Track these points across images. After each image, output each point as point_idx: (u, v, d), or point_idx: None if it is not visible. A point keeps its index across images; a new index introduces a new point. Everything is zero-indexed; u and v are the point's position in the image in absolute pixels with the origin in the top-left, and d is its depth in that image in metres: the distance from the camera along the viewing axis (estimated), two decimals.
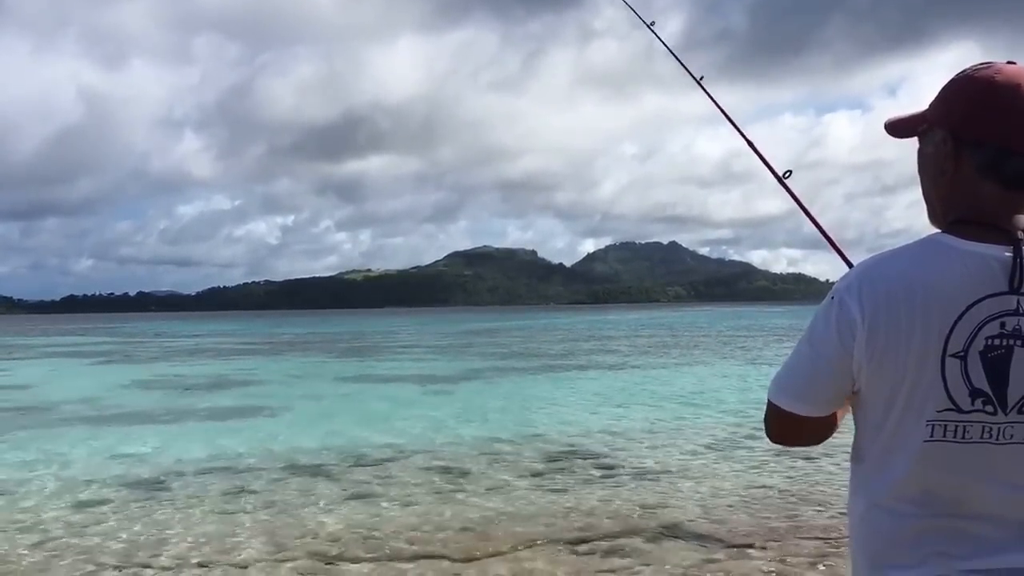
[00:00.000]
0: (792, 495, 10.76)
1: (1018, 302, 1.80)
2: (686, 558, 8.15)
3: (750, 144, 3.19)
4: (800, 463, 12.69)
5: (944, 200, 1.95)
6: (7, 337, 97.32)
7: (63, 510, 10.69)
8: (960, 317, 1.81)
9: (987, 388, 1.81)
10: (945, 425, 1.83)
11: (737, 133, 3.29)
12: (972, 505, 1.84)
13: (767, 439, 2.18)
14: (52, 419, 20.76)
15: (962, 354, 1.81)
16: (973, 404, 1.82)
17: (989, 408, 1.81)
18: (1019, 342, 1.81)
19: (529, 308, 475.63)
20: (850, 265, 2.35)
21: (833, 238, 2.66)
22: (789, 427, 2.07)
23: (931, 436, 1.84)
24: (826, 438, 2.12)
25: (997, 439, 1.82)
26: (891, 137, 2.09)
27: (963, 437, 1.82)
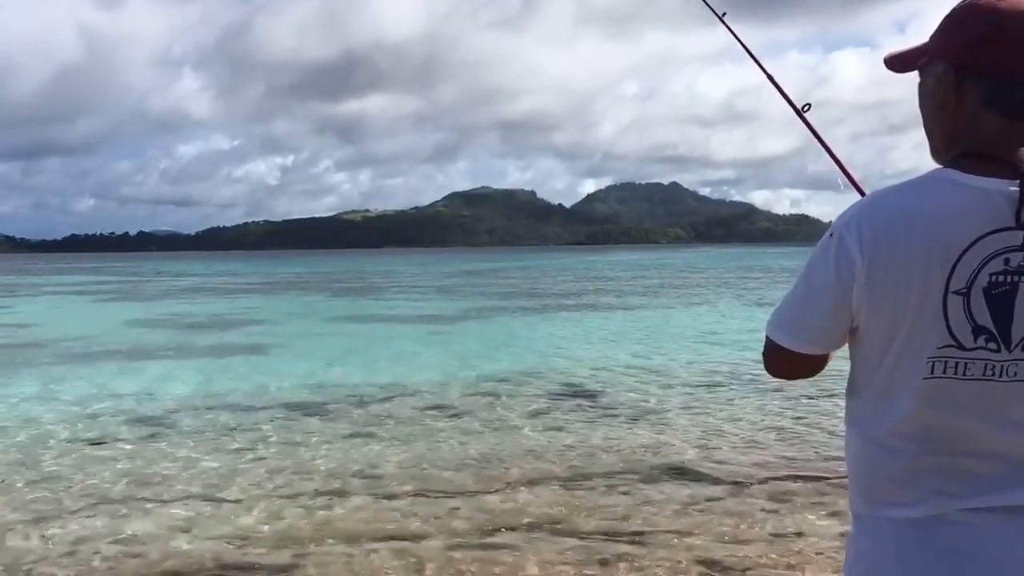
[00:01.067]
0: (792, 435, 10.84)
1: (1023, 238, 1.77)
2: (685, 495, 8.22)
3: (770, 78, 3.12)
4: (802, 402, 12.79)
5: (946, 134, 1.92)
6: (10, 276, 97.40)
7: (65, 446, 10.76)
8: (963, 253, 1.78)
9: (991, 325, 1.79)
10: (946, 362, 1.81)
11: (758, 67, 3.20)
12: (972, 443, 1.82)
13: (767, 374, 2.18)
14: (54, 356, 20.85)
15: (965, 291, 1.79)
16: (976, 341, 1.80)
17: (992, 345, 1.79)
18: (1023, 278, 1.78)
19: (528, 249, 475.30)
20: None
21: (852, 173, 2.60)
22: (787, 363, 2.07)
23: (931, 373, 1.82)
24: (821, 370, 2.11)
25: (1000, 376, 1.80)
26: (892, 73, 2.04)
27: (964, 374, 1.80)
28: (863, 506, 1.95)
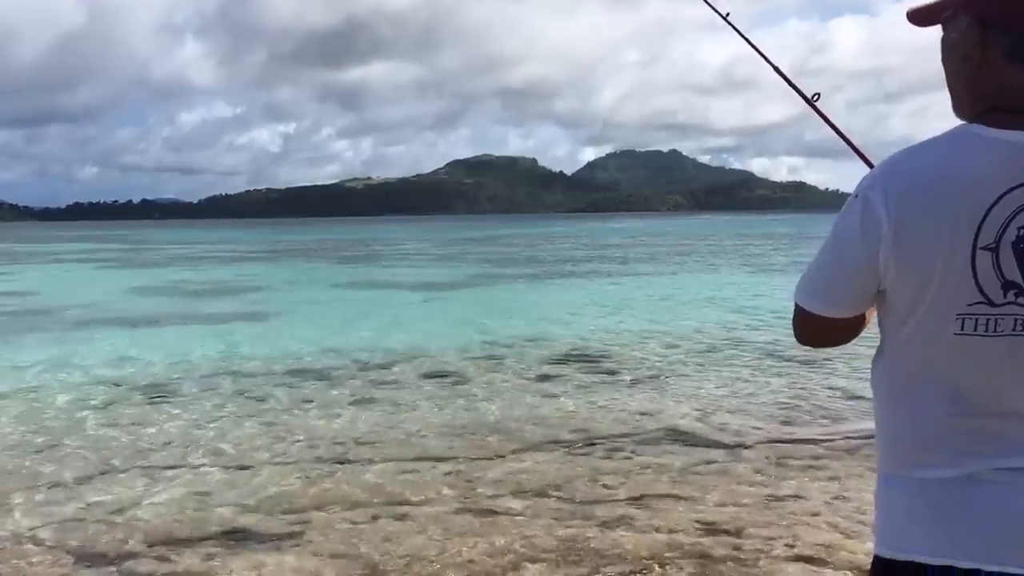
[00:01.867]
0: (790, 400, 10.90)
1: None
2: (683, 459, 8.30)
3: (778, 71, 3.05)
4: (800, 370, 12.86)
5: (970, 89, 1.88)
6: (14, 243, 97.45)
7: (69, 413, 10.83)
8: (991, 208, 1.75)
9: (1020, 280, 1.77)
10: (976, 319, 1.79)
11: (767, 63, 3.10)
12: (1003, 402, 1.81)
13: (795, 341, 2.15)
14: (59, 323, 20.90)
15: (993, 246, 1.76)
16: (1005, 297, 1.78)
17: (1022, 300, 1.77)
18: None
19: (530, 216, 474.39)
20: None
21: (870, 158, 2.49)
22: (816, 329, 2.05)
23: (961, 330, 1.80)
24: (853, 338, 2.09)
25: None
26: (914, 26, 2.00)
27: (995, 331, 1.78)
28: (894, 467, 1.94)
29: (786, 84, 3.01)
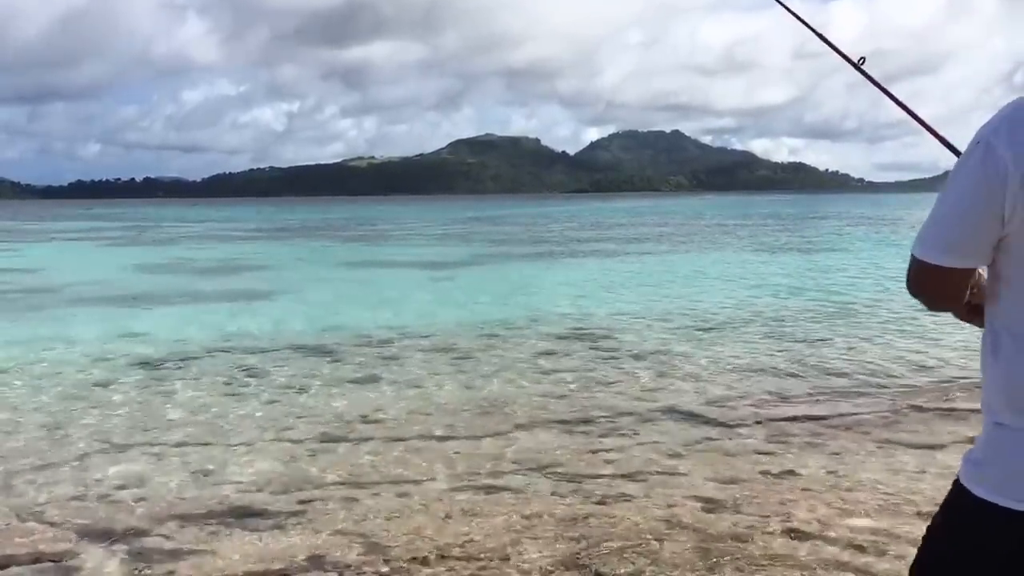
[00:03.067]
0: (788, 378, 10.96)
1: None
2: (682, 437, 8.36)
3: (820, 35, 2.99)
4: (798, 348, 12.92)
5: None
6: (17, 221, 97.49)
7: (73, 390, 10.88)
8: None
9: None
10: None
11: (813, 33, 3.06)
12: None
13: (910, 294, 2.10)
14: (63, 300, 20.97)
15: None
16: None
17: None
18: None
19: (533, 196, 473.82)
20: (954, 151, 2.24)
21: (930, 125, 2.49)
22: (936, 282, 2.00)
23: None
24: (959, 303, 2.05)
25: None
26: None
27: None
28: (1008, 416, 1.91)
29: (833, 51, 2.94)
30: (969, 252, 1.91)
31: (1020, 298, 1.87)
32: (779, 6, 3.13)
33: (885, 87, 2.67)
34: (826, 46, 2.90)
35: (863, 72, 2.74)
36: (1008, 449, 1.89)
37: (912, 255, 1.99)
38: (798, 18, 3.14)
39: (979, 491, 1.91)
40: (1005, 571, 1.86)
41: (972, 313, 2.06)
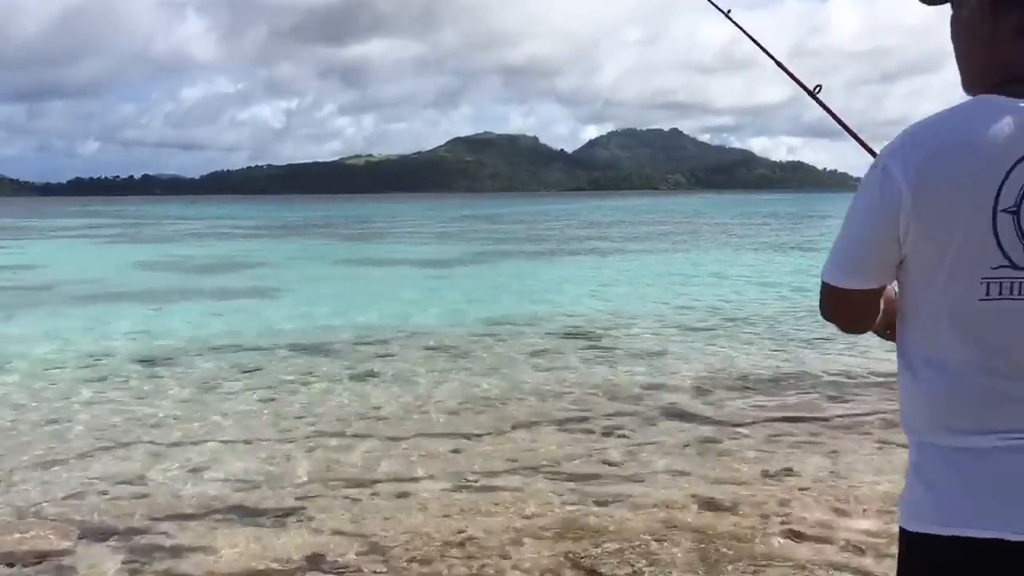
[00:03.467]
0: (787, 377, 10.97)
1: None
2: (681, 436, 8.35)
3: (780, 65, 3.06)
4: (798, 347, 12.93)
5: (982, 66, 1.91)
6: (16, 219, 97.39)
7: (71, 387, 10.87)
8: (1010, 172, 1.76)
9: None
10: (1001, 283, 1.80)
11: (768, 57, 3.09)
12: None
13: (822, 319, 2.12)
14: (61, 298, 20.96)
15: (1014, 208, 1.77)
16: None
17: None
18: None
19: (530, 195, 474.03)
20: None
21: (874, 148, 2.46)
22: (841, 305, 2.04)
23: (987, 295, 1.80)
24: (870, 322, 2.09)
25: None
26: (924, 5, 2.03)
27: (1020, 293, 1.79)
28: (926, 434, 1.93)
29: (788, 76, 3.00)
30: (871, 273, 1.95)
31: (923, 319, 1.91)
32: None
33: (838, 116, 2.76)
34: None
35: (818, 101, 2.79)
36: (936, 469, 1.91)
37: (821, 281, 2.03)
38: (757, 44, 3.20)
39: (914, 526, 1.93)
40: None
41: (894, 331, 2.09)
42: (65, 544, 5.89)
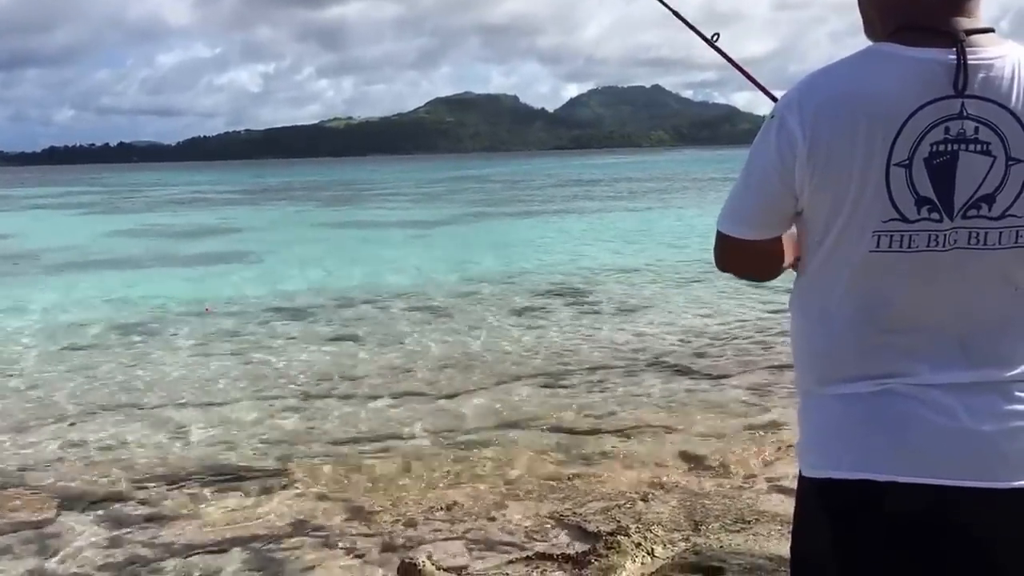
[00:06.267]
0: (769, 329, 10.97)
1: (962, 105, 1.75)
2: (667, 391, 8.35)
3: (677, 14, 2.98)
4: (777, 296, 12.92)
5: (880, 10, 1.89)
6: None
7: (52, 354, 10.81)
8: (904, 125, 1.75)
9: (932, 195, 1.77)
10: (891, 235, 1.79)
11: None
12: (918, 318, 1.82)
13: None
14: (38, 266, 20.80)
15: (907, 162, 1.76)
16: (919, 213, 1.78)
17: (935, 215, 1.78)
18: (964, 146, 1.76)
19: (513, 154, 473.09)
20: None
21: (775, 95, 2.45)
22: (734, 254, 2.04)
23: (876, 247, 1.80)
24: (774, 271, 2.10)
25: (943, 246, 1.79)
26: None
27: (909, 247, 1.79)
28: (811, 384, 1.95)
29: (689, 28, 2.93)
30: (766, 223, 1.95)
31: (817, 270, 1.91)
32: None
33: (739, 64, 2.76)
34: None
35: (717, 48, 2.77)
36: (816, 417, 1.93)
37: (717, 230, 2.02)
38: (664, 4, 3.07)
39: (805, 472, 1.94)
40: (841, 549, 1.88)
41: None
42: (46, 512, 5.83)
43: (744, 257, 2.05)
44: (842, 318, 1.87)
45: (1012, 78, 1.77)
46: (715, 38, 2.77)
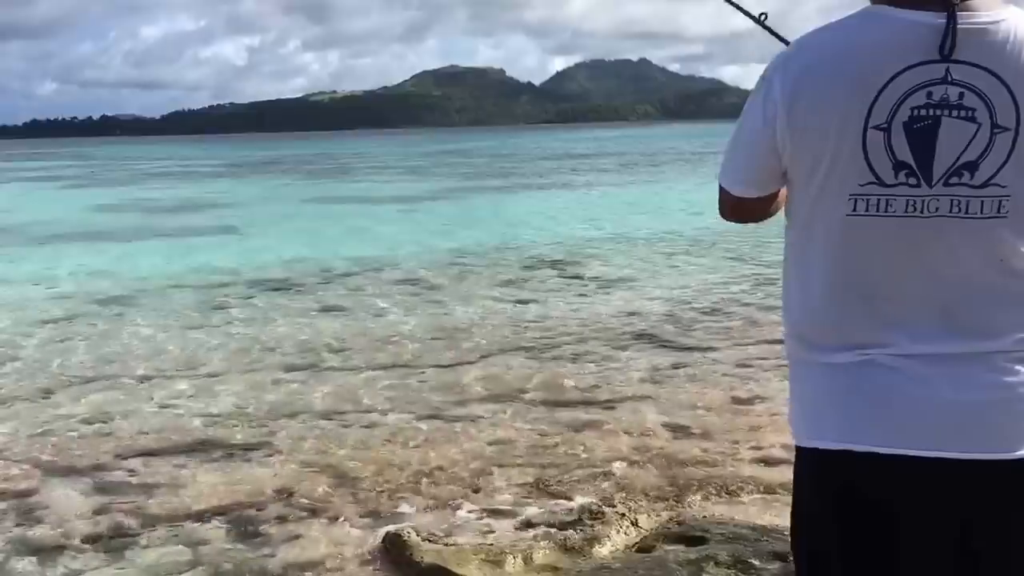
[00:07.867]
0: (755, 302, 11.01)
1: (947, 70, 1.72)
2: (651, 362, 8.36)
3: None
4: (762, 270, 12.97)
5: None
6: None
7: (33, 328, 10.75)
8: (884, 87, 1.74)
9: (911, 160, 1.75)
10: (868, 199, 1.78)
11: None
12: (897, 287, 1.82)
13: (723, 220, 2.21)
14: (21, 239, 20.67)
15: (885, 126, 1.75)
16: (897, 177, 1.76)
17: (913, 180, 1.75)
18: (947, 111, 1.73)
19: (499, 128, 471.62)
20: None
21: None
22: (736, 208, 2.09)
23: (853, 210, 1.79)
24: (769, 216, 2.12)
25: (922, 212, 1.77)
26: None
27: (886, 211, 1.77)
28: (797, 347, 1.96)
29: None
30: (755, 181, 1.99)
31: (800, 231, 1.92)
32: None
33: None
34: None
35: (768, 28, 2.69)
36: (804, 386, 1.95)
37: (719, 183, 2.07)
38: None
39: (797, 441, 1.96)
40: (837, 512, 1.89)
41: None
42: (31, 483, 5.82)
43: (743, 211, 2.10)
44: (823, 282, 1.88)
45: (1006, 43, 1.74)
46: (763, 17, 2.72)
